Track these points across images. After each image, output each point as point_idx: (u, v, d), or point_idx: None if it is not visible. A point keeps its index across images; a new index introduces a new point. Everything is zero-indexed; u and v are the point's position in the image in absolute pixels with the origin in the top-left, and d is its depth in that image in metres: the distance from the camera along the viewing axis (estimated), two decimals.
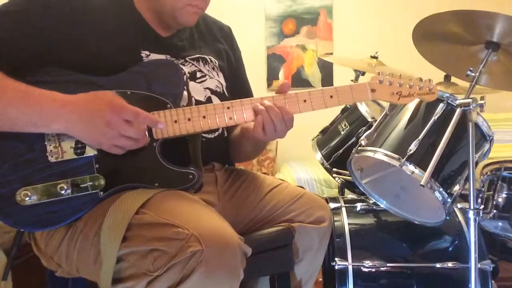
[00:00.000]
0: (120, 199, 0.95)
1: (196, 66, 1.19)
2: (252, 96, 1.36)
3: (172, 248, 0.85)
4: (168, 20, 1.13)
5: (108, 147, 0.95)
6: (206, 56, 1.22)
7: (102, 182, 0.98)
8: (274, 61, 3.65)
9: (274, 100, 1.06)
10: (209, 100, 1.17)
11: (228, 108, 1.04)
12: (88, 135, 0.94)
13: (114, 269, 0.90)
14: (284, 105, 1.06)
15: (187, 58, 1.18)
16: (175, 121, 1.02)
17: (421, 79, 1.14)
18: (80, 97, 0.94)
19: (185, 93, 1.07)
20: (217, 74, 1.23)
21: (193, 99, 1.10)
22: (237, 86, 1.30)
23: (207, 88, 1.19)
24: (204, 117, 1.03)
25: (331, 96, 1.08)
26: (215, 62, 1.24)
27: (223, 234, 0.90)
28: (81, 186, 0.97)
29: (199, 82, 1.17)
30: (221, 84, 1.23)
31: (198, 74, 1.18)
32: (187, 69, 1.16)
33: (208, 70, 1.21)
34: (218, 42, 1.31)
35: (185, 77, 1.08)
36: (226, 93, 1.23)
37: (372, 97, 1.11)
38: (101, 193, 0.98)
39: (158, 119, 1.00)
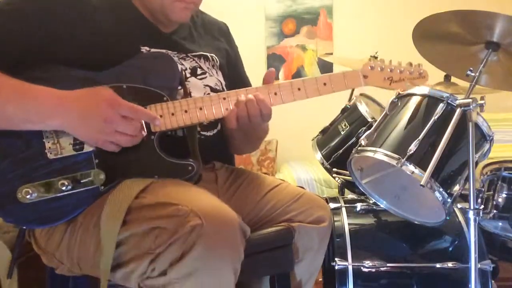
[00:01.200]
0: (119, 187, 0.96)
1: (196, 62, 1.19)
2: None
3: (172, 225, 0.86)
4: (161, 17, 1.14)
5: (103, 143, 0.96)
6: (208, 54, 1.23)
7: (102, 176, 0.98)
8: (274, 61, 3.65)
9: (268, 90, 1.07)
10: None
11: (224, 98, 1.06)
12: (84, 131, 0.95)
13: (114, 255, 0.90)
14: (276, 95, 1.07)
15: (189, 54, 1.18)
16: (172, 114, 1.02)
17: (411, 64, 1.15)
18: (77, 93, 0.94)
19: (182, 90, 1.07)
20: (217, 72, 1.23)
21: (190, 95, 1.10)
22: (236, 84, 1.30)
23: (207, 85, 1.19)
24: (200, 108, 1.04)
25: (325, 84, 1.10)
26: (216, 61, 1.25)
27: (223, 212, 0.90)
28: (81, 181, 0.97)
29: (200, 79, 1.18)
30: (220, 82, 1.23)
31: (199, 71, 1.18)
32: (188, 64, 1.17)
33: (208, 68, 1.21)
34: (217, 40, 1.31)
35: (181, 71, 1.08)
36: (225, 91, 1.23)
37: (365, 83, 1.13)
38: (102, 187, 0.99)
39: (156, 115, 1.00)
